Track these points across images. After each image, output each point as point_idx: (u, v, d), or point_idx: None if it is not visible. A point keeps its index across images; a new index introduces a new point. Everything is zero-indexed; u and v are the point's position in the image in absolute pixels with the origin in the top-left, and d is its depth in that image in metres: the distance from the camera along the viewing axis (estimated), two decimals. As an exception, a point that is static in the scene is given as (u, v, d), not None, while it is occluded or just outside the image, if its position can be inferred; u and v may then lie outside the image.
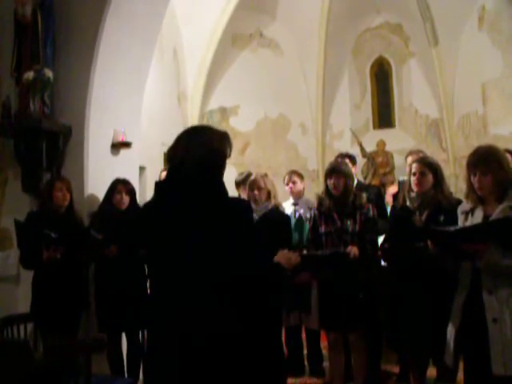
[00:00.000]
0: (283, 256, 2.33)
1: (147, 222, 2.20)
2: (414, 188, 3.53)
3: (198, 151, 2.12)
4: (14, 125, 4.48)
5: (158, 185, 2.23)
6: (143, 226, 2.25)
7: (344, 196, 3.93)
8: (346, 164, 4.25)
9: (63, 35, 4.56)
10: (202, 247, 2.01)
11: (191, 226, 2.03)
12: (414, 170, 3.55)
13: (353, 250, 3.78)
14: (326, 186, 3.99)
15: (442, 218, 3.36)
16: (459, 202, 3.30)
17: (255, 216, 3.97)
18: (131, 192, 4.31)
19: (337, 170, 3.94)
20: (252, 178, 4.16)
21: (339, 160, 4.53)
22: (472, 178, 2.78)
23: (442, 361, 2.97)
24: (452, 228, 2.79)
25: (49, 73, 4.40)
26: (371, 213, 3.96)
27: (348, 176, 3.95)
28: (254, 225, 2.35)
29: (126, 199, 4.26)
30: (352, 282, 3.79)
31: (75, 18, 4.58)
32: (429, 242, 2.89)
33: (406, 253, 3.37)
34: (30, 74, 4.33)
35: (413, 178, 3.54)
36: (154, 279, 2.19)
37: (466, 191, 2.85)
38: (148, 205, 2.35)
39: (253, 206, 4.02)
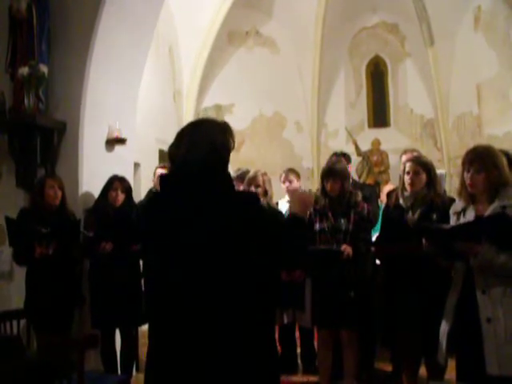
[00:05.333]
0: (298, 199, 2.13)
1: (157, 214, 2.09)
2: (408, 187, 3.56)
3: (203, 149, 2.05)
4: (9, 120, 4.47)
5: (164, 178, 2.15)
6: (152, 219, 2.11)
7: (340, 196, 3.94)
8: (343, 164, 4.22)
9: (58, 31, 4.54)
10: (215, 240, 1.95)
11: (203, 218, 1.96)
12: (407, 169, 3.57)
13: (347, 250, 3.78)
14: (323, 186, 4.00)
15: (434, 217, 3.38)
16: (452, 200, 3.33)
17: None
18: (127, 189, 4.31)
19: (334, 173, 3.93)
20: (252, 174, 4.15)
21: (335, 159, 4.47)
22: (465, 174, 2.79)
23: (433, 359, 2.97)
24: (447, 226, 2.80)
25: (43, 68, 4.38)
26: (365, 212, 3.97)
27: (344, 178, 3.96)
28: (267, 212, 2.26)
29: (122, 196, 4.25)
30: (344, 280, 3.79)
31: (70, 14, 4.57)
32: (423, 241, 2.90)
33: (400, 250, 3.38)
34: (24, 70, 4.32)
35: (406, 177, 3.57)
36: (157, 275, 2.10)
37: (459, 188, 2.87)
38: (155, 197, 2.28)
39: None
